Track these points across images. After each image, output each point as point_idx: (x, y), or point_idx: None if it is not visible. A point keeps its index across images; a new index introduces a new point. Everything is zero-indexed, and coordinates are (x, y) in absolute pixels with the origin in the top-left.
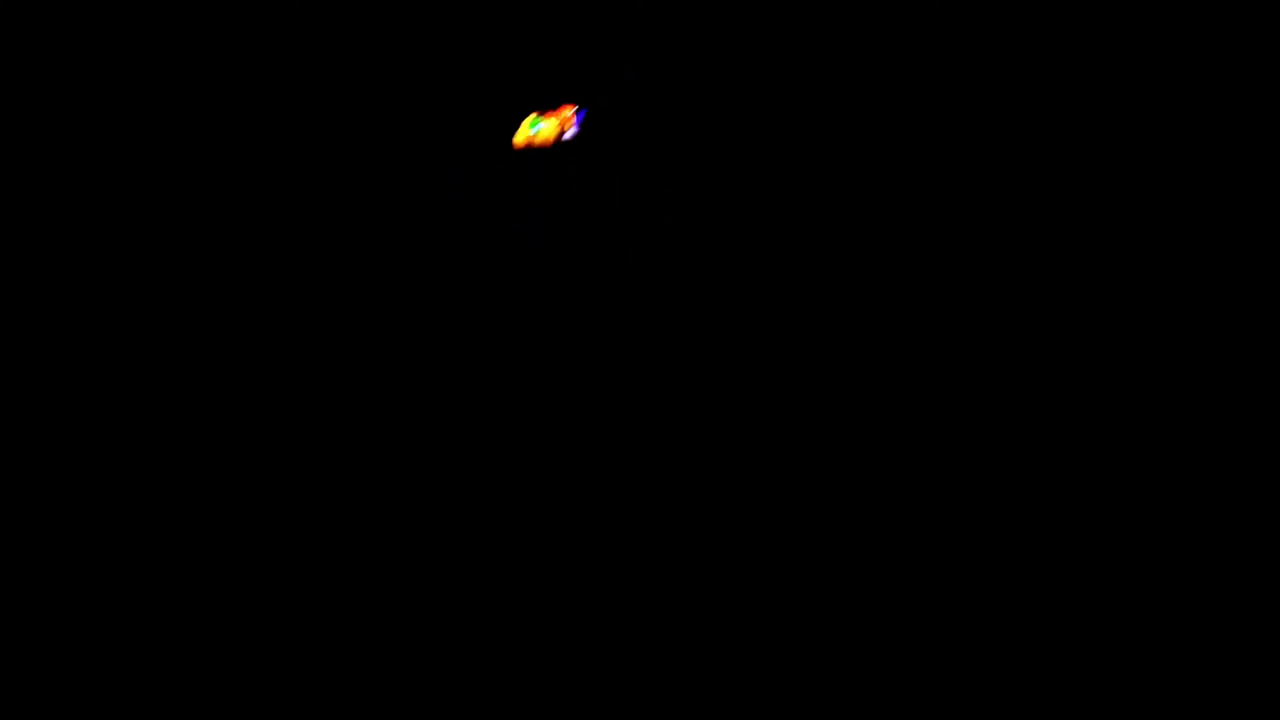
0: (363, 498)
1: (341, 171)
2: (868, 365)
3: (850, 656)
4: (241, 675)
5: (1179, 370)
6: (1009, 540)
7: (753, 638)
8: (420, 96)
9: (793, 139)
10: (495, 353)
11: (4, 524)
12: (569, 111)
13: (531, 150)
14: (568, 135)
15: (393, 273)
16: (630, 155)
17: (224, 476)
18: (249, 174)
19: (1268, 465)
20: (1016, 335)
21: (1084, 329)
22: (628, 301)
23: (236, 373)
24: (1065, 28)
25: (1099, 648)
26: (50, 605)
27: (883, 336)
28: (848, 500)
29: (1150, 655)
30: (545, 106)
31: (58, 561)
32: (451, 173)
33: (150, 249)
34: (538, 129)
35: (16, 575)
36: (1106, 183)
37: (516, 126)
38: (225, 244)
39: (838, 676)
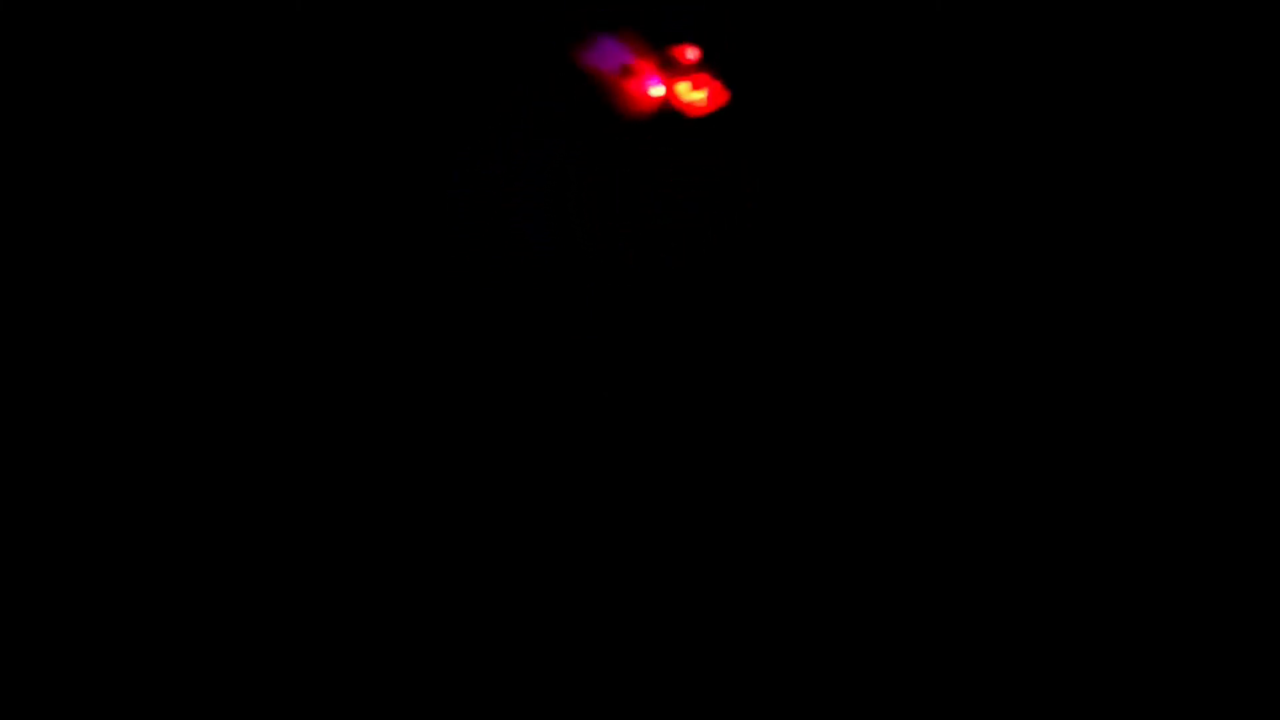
0: (361, 499)
1: (340, 171)
2: (869, 366)
3: (850, 656)
4: (241, 675)
5: (1179, 370)
6: (1009, 540)
7: (752, 638)
8: (420, 96)
9: (793, 139)
10: (495, 353)
11: (4, 524)
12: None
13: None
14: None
15: (391, 273)
16: (631, 155)
17: (221, 476)
18: (246, 173)
19: (1268, 465)
20: (1018, 336)
21: (1086, 331)
22: (628, 301)
23: (232, 373)
24: (1066, 28)
25: (1099, 648)
26: (50, 605)
27: (884, 337)
28: (848, 501)
29: (1151, 655)
30: (548, 105)
31: (57, 561)
32: (451, 173)
33: (146, 248)
34: (689, 98)
35: (16, 575)
36: (1109, 185)
37: (517, 126)
38: (221, 244)
39: (838, 676)
